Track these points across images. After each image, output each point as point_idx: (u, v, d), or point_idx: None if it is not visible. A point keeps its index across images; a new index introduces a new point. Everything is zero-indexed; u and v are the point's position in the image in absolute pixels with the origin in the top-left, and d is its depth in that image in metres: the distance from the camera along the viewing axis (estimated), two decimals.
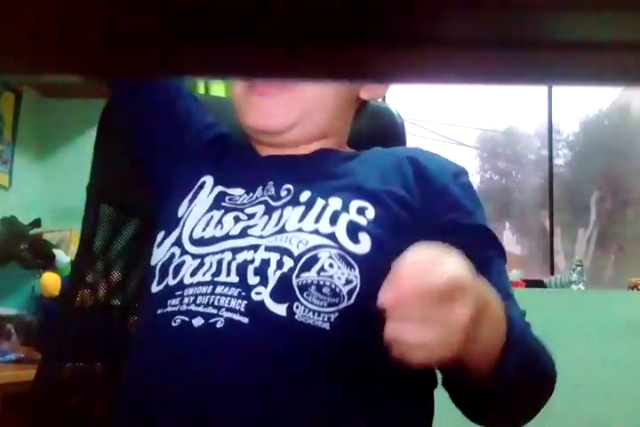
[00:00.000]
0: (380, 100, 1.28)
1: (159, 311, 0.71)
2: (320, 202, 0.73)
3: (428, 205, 0.76)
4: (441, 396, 0.74)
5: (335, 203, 0.73)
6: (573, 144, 4.96)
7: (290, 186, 0.76)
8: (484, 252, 0.75)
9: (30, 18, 0.15)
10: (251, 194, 0.78)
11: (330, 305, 0.66)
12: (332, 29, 0.14)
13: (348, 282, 0.67)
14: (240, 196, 0.78)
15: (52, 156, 2.80)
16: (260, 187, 0.78)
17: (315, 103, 0.78)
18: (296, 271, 0.67)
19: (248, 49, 0.15)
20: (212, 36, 0.15)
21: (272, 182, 0.77)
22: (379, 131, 1.00)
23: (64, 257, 2.31)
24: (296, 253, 0.68)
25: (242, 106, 0.80)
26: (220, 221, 0.75)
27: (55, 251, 2.32)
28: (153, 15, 0.15)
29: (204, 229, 0.75)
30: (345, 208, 0.72)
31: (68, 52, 0.16)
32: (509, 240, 4.74)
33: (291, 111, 0.77)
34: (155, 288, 0.75)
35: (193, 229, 0.76)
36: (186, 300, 0.70)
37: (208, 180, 0.82)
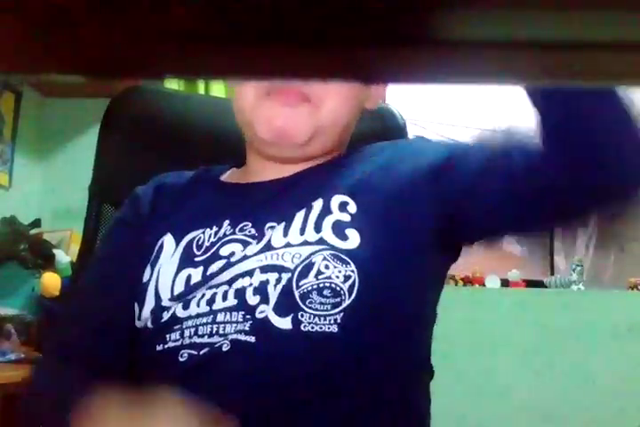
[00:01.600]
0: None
1: (159, 348, 0.70)
2: (300, 213, 0.72)
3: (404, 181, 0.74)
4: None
5: (316, 205, 0.72)
6: None
7: (274, 223, 0.73)
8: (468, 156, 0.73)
9: (30, 17, 0.15)
10: (215, 229, 0.75)
11: (334, 306, 0.66)
12: (332, 29, 0.15)
13: (346, 278, 0.67)
14: (203, 233, 0.75)
15: (52, 156, 2.80)
16: (228, 221, 0.75)
17: (331, 118, 0.76)
18: (294, 281, 0.67)
19: (248, 49, 0.15)
20: (213, 36, 0.15)
21: (250, 223, 0.74)
22: (381, 132, 1.00)
23: (64, 257, 2.31)
24: (292, 266, 0.68)
25: (256, 114, 0.76)
26: (204, 272, 0.72)
27: (55, 251, 2.32)
28: (153, 15, 0.15)
29: (185, 285, 0.72)
30: (327, 208, 0.72)
31: (68, 52, 0.16)
32: (509, 240, 4.73)
33: (310, 124, 0.75)
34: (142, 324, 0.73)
35: (172, 291, 0.72)
36: (187, 332, 0.68)
37: (167, 239, 0.77)
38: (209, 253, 0.73)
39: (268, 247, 0.70)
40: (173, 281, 0.73)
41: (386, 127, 1.01)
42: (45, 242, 2.36)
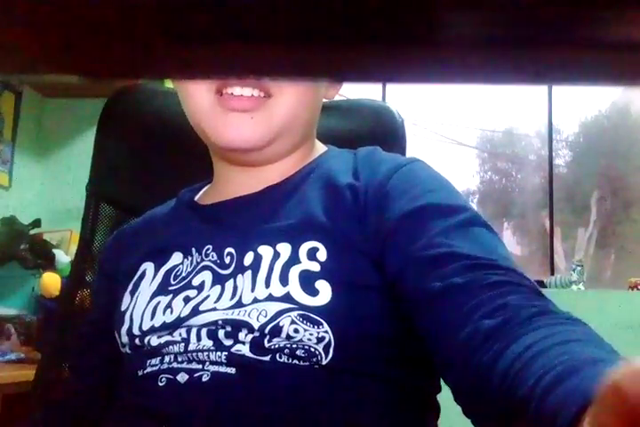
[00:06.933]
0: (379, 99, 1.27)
1: (140, 373, 0.69)
2: (266, 260, 0.67)
3: (372, 222, 0.68)
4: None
5: (284, 250, 0.67)
6: (573, 144, 4.97)
7: (231, 249, 0.70)
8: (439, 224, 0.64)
9: (30, 17, 0.15)
10: (189, 257, 0.73)
11: (311, 363, 0.63)
12: (331, 29, 0.14)
13: (320, 340, 0.63)
14: (181, 263, 0.74)
15: (51, 156, 2.80)
16: (194, 248, 0.73)
17: (291, 120, 0.72)
18: (265, 340, 0.64)
19: (246, 49, 0.15)
20: (213, 36, 0.15)
21: (211, 246, 0.72)
22: (379, 131, 1.00)
23: (64, 257, 2.31)
24: (257, 325, 0.64)
25: (210, 121, 0.72)
26: (169, 306, 0.70)
27: (55, 251, 2.32)
28: (153, 15, 0.15)
29: (152, 318, 0.71)
30: (294, 256, 0.66)
31: (67, 51, 0.16)
32: (509, 240, 4.75)
33: (268, 130, 0.71)
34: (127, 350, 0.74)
35: (141, 320, 0.72)
36: (167, 358, 0.68)
37: (148, 267, 0.77)
38: (183, 283, 0.72)
39: (239, 305, 0.66)
40: (144, 310, 0.72)
41: (384, 126, 1.01)
42: (45, 242, 2.36)
